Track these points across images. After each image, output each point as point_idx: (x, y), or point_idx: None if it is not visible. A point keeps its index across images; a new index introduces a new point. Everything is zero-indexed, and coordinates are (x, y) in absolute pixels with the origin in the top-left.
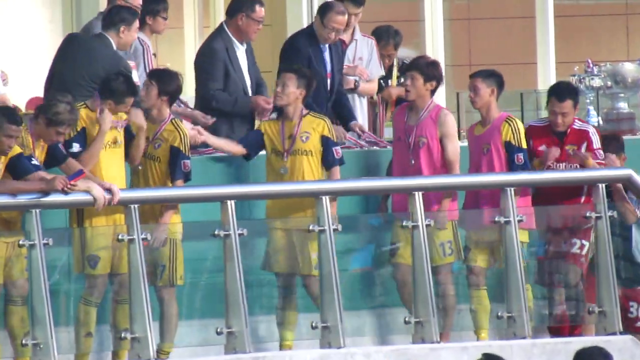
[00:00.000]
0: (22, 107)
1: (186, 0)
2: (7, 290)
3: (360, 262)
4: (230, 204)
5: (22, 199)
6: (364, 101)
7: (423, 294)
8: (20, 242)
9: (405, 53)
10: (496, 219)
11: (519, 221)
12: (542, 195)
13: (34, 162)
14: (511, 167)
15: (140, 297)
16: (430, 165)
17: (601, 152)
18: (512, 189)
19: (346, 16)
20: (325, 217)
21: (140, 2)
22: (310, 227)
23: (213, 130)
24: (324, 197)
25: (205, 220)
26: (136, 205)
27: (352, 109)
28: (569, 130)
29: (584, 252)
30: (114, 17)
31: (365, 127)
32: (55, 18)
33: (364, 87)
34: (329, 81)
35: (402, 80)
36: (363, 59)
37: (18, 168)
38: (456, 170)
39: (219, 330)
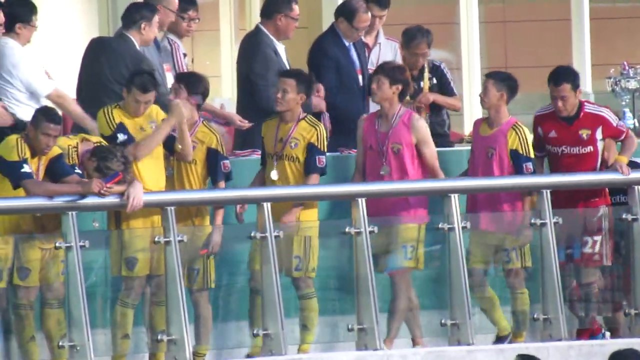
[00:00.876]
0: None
1: (222, 2)
2: (43, 294)
3: (396, 264)
4: (267, 206)
5: (59, 202)
6: None
7: (459, 296)
8: (57, 245)
9: (441, 55)
10: (532, 220)
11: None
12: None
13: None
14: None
15: (177, 299)
16: (403, 172)
17: (622, 123)
18: (548, 191)
19: (370, 14)
20: (361, 220)
21: (177, 5)
22: (347, 230)
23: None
24: (359, 200)
25: (247, 223)
26: (172, 208)
27: None
28: (581, 114)
29: (597, 249)
30: (134, 15)
31: None
32: (92, 21)
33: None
34: (360, 77)
35: (432, 80)
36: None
37: (57, 169)
38: (440, 173)
39: (255, 332)
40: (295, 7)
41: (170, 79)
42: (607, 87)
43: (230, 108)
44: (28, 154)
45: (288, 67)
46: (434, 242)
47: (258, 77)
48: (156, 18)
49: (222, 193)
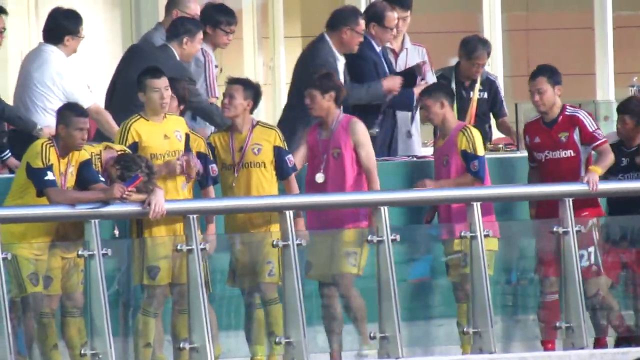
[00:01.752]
0: None
1: (245, 11)
2: (64, 302)
3: (419, 273)
4: (289, 214)
5: (82, 210)
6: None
7: (481, 305)
8: (80, 253)
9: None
10: (554, 229)
11: (486, 236)
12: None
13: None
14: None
15: (199, 307)
16: (342, 176)
17: (600, 131)
18: (571, 199)
19: (397, 12)
20: (383, 227)
21: (198, 12)
22: (369, 238)
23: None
24: (382, 208)
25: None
26: (195, 216)
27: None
28: (559, 118)
29: (592, 260)
30: (178, 29)
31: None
32: (115, 29)
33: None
34: None
35: (482, 93)
36: None
37: (85, 174)
38: (375, 178)
39: (277, 340)
40: (362, 22)
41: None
42: (630, 95)
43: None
44: (54, 159)
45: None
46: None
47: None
48: (200, 35)
49: (244, 201)
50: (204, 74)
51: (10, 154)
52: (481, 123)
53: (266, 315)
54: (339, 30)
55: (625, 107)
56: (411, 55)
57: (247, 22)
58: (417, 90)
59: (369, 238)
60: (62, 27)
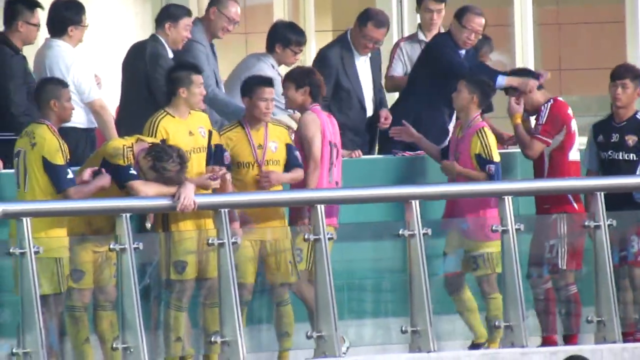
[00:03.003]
0: (113, 111)
1: (276, 4)
2: (96, 296)
3: (450, 267)
4: (320, 208)
5: (112, 203)
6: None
7: (513, 298)
8: (111, 247)
9: (495, 58)
10: (586, 223)
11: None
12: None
13: (132, 171)
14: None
15: (230, 301)
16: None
17: (540, 128)
18: (602, 193)
19: (484, 19)
20: (415, 222)
21: (236, 15)
22: (400, 232)
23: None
24: (413, 202)
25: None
26: (226, 210)
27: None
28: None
29: None
30: (161, 15)
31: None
32: (145, 25)
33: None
34: None
35: None
36: None
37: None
38: (316, 173)
39: (309, 334)
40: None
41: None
42: None
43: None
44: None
45: (365, 77)
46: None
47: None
48: (185, 20)
49: (275, 195)
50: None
51: None
52: None
53: (281, 316)
54: (361, 30)
55: (625, 72)
56: None
57: (278, 16)
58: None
59: (400, 232)
60: (64, 18)
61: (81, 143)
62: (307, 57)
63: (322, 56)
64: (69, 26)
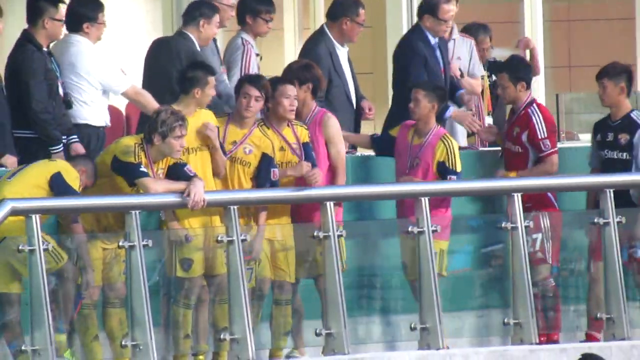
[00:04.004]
0: (123, 109)
1: (286, 1)
2: (105, 293)
3: (459, 264)
4: (329, 205)
5: (122, 200)
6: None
7: (522, 295)
8: (120, 244)
9: (505, 54)
10: (595, 220)
11: (434, 231)
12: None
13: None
14: None
15: (240, 298)
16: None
17: (547, 142)
18: (611, 190)
19: (453, 5)
20: (424, 219)
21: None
22: (410, 229)
23: None
24: (423, 199)
25: (302, 223)
26: (235, 207)
27: (455, 84)
28: (521, 111)
29: (537, 247)
30: (193, 12)
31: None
32: (156, 22)
33: (468, 80)
34: (443, 77)
35: (493, 78)
36: (462, 58)
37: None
38: (341, 177)
39: (317, 331)
40: (362, 12)
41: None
42: None
43: None
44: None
45: (349, 71)
46: (495, 241)
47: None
48: (217, 17)
49: (284, 193)
50: (240, 62)
51: (77, 138)
52: (500, 105)
53: (283, 315)
54: (339, 21)
55: (603, 72)
56: (459, 46)
57: (288, 13)
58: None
59: (410, 229)
60: (79, 15)
61: (93, 140)
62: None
63: (314, 54)
64: (83, 23)
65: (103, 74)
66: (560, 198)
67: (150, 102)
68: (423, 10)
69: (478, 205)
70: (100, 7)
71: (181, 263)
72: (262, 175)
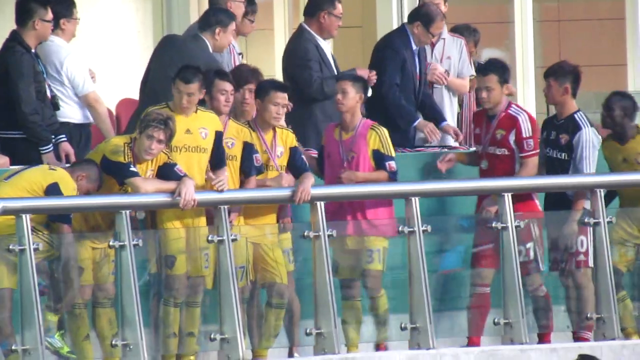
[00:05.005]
0: (113, 108)
1: (276, 1)
2: (95, 293)
3: (450, 264)
4: (320, 205)
5: (113, 200)
6: (455, 100)
7: (512, 295)
8: (111, 243)
9: (495, 54)
10: (585, 220)
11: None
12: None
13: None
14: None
15: (230, 298)
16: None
17: (531, 142)
18: (602, 190)
19: (444, 22)
20: (415, 219)
21: (243, 9)
22: (400, 228)
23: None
24: (413, 199)
25: (295, 222)
26: (226, 207)
27: (440, 110)
28: (502, 114)
29: (531, 256)
30: (210, 19)
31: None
32: (146, 20)
33: (454, 81)
34: (417, 83)
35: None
36: (452, 58)
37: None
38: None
39: (308, 331)
40: (339, 6)
41: None
42: None
43: None
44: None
45: (333, 63)
46: (486, 242)
47: (300, 68)
48: (233, 25)
49: (275, 192)
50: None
51: (65, 138)
52: None
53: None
54: (317, 16)
55: (549, 71)
56: (448, 45)
57: (278, 13)
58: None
59: (400, 229)
60: (56, 12)
61: (75, 138)
62: None
63: (302, 48)
64: (60, 19)
65: (70, 73)
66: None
67: (103, 115)
68: (416, 17)
69: (426, 204)
70: (72, 3)
71: (164, 260)
72: (247, 163)
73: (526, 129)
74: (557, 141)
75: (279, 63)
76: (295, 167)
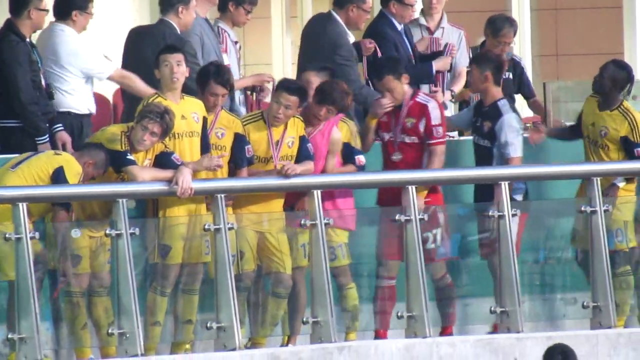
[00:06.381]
0: (110, 97)
1: None
2: (90, 282)
3: (446, 252)
4: (317, 194)
5: (110, 189)
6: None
7: (508, 284)
8: (107, 232)
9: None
10: (582, 208)
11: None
12: None
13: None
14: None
15: (227, 286)
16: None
17: (440, 130)
18: (599, 179)
19: None
20: (412, 208)
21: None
22: (397, 217)
23: None
24: (410, 187)
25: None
26: (223, 195)
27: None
28: (409, 102)
29: (437, 243)
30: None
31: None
32: (143, 9)
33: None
34: (413, 62)
35: (507, 73)
36: (450, 46)
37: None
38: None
39: (305, 319)
40: (369, 0)
41: (226, 60)
42: None
43: None
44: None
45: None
46: (482, 230)
47: (344, 59)
48: (193, 2)
49: (271, 181)
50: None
51: (62, 127)
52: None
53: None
54: (345, 8)
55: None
56: (447, 35)
57: (275, 2)
58: (436, 64)
59: (397, 217)
60: (69, 2)
61: (76, 128)
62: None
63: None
64: (73, 10)
65: (84, 62)
66: (547, 186)
67: (138, 83)
68: None
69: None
70: None
71: (159, 249)
72: (238, 155)
73: (435, 116)
74: (481, 128)
75: (276, 51)
76: (300, 155)
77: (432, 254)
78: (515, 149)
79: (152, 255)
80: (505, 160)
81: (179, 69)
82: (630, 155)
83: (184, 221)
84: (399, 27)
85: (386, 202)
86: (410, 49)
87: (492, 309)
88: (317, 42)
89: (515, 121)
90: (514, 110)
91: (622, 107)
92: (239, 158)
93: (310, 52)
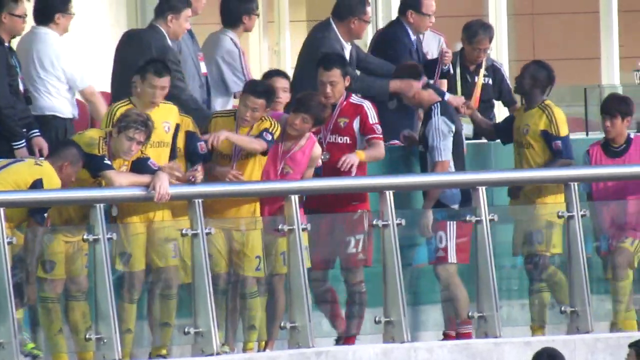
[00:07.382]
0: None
1: None
2: (68, 287)
3: (424, 257)
4: (294, 199)
5: (88, 194)
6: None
7: (486, 288)
8: (84, 237)
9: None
10: (559, 213)
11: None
12: None
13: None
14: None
15: (204, 291)
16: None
17: (379, 127)
18: (577, 184)
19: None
20: (388, 212)
21: None
22: (374, 222)
23: None
24: (387, 192)
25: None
26: (200, 200)
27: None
28: (343, 103)
29: (359, 248)
30: (163, 6)
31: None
32: (120, 18)
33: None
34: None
35: (487, 79)
36: (429, 53)
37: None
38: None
39: (282, 325)
40: (369, 10)
41: (203, 68)
42: (635, 79)
43: None
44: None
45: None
46: (460, 235)
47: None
48: (187, 12)
49: (249, 186)
50: (240, 67)
51: (38, 132)
52: (485, 109)
53: (247, 309)
54: (347, 20)
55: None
56: (428, 41)
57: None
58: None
59: (374, 222)
60: (51, 6)
61: (60, 132)
62: (282, 48)
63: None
64: (55, 13)
65: (67, 68)
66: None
67: (101, 108)
68: (406, 6)
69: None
70: None
71: (120, 257)
72: (192, 152)
73: (372, 115)
74: (423, 136)
75: (253, 56)
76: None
77: (353, 259)
78: (440, 153)
79: (116, 263)
80: (431, 165)
81: (161, 93)
82: (550, 149)
83: (142, 230)
84: (413, 37)
85: (316, 208)
86: (421, 61)
87: (470, 314)
88: (312, 50)
89: (442, 124)
90: (446, 112)
91: (542, 104)
92: (193, 156)
93: (305, 59)
